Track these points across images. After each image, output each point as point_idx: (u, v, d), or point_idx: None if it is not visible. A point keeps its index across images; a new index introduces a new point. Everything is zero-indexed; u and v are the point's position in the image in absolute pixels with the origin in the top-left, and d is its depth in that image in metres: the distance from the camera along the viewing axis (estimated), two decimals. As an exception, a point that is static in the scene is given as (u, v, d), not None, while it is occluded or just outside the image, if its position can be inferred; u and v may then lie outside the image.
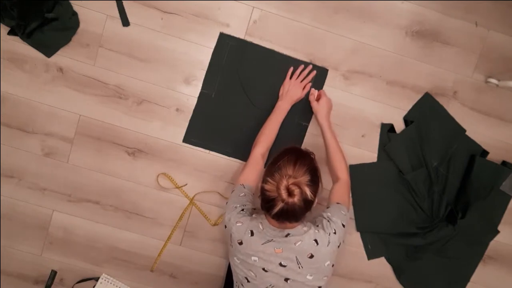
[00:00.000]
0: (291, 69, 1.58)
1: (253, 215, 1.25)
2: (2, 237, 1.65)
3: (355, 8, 1.59)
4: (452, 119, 1.66)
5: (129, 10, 1.55)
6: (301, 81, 1.56)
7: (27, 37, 1.52)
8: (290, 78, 1.57)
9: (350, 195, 1.46)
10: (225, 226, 1.25)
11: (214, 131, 1.61)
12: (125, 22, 1.55)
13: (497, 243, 1.73)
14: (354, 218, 1.68)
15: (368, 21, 1.60)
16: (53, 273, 1.67)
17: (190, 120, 1.60)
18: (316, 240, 1.18)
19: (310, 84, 1.58)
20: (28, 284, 1.68)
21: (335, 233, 1.22)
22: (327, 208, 1.32)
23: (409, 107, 1.64)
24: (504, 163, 1.67)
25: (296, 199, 1.08)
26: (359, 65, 1.62)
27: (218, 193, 1.64)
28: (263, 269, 1.18)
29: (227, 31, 1.57)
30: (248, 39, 1.58)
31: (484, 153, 1.67)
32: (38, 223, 1.64)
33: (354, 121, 1.64)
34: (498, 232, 1.71)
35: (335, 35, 1.60)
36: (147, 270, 1.68)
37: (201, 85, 1.59)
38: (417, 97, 1.64)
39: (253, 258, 1.18)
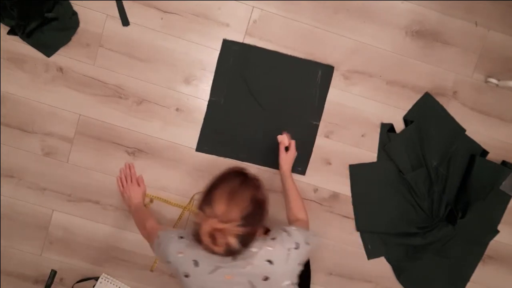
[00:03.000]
0: (119, 180, 1.60)
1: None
2: (2, 237, 1.65)
3: (355, 8, 1.59)
4: (452, 119, 1.66)
5: (129, 10, 1.55)
6: (132, 182, 1.57)
7: (27, 37, 1.52)
8: (123, 186, 1.58)
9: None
10: (168, 262, 1.10)
11: (226, 137, 1.61)
12: (125, 22, 1.55)
13: (497, 243, 1.73)
14: (354, 218, 1.68)
15: (368, 21, 1.60)
16: (53, 273, 1.67)
17: (202, 129, 1.60)
18: (270, 261, 1.04)
19: (142, 178, 1.60)
20: (28, 284, 1.68)
21: (296, 248, 1.08)
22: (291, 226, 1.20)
23: (409, 107, 1.64)
24: (504, 163, 1.67)
25: (219, 249, 0.93)
26: (359, 65, 1.62)
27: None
28: None
29: (227, 31, 1.57)
30: (248, 39, 1.58)
31: (484, 153, 1.67)
32: (38, 223, 1.64)
33: (354, 121, 1.64)
34: (498, 232, 1.71)
35: (335, 35, 1.60)
36: (147, 270, 1.68)
37: (201, 85, 1.59)
38: (417, 97, 1.64)
39: None
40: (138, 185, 1.59)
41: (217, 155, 1.62)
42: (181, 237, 1.11)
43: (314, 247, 1.17)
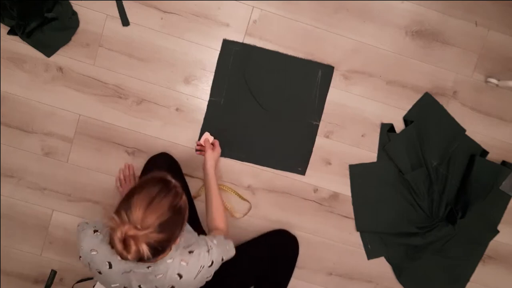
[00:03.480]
0: (117, 180, 1.60)
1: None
2: (2, 237, 1.65)
3: (355, 8, 1.59)
4: (452, 119, 1.66)
5: (129, 10, 1.55)
6: (130, 182, 1.58)
7: (27, 37, 1.52)
8: (121, 186, 1.59)
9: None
10: (80, 257, 1.10)
11: (226, 137, 1.61)
12: (125, 22, 1.55)
13: (497, 243, 1.73)
14: (354, 218, 1.68)
15: (368, 21, 1.60)
16: (53, 273, 1.67)
17: (202, 129, 1.60)
18: (179, 274, 1.07)
19: (136, 176, 1.59)
20: (28, 284, 1.68)
21: (210, 266, 1.12)
22: (213, 236, 1.23)
23: (409, 107, 1.64)
24: (504, 163, 1.67)
25: (130, 256, 0.91)
26: (359, 65, 1.62)
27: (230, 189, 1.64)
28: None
29: (227, 31, 1.57)
30: (248, 39, 1.58)
31: (484, 153, 1.67)
32: (38, 223, 1.64)
33: (354, 121, 1.64)
34: (498, 232, 1.71)
35: (335, 35, 1.60)
36: (147, 270, 1.68)
37: (200, 85, 1.59)
38: (417, 97, 1.64)
39: (113, 285, 1.10)
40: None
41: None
42: (96, 231, 1.10)
43: (229, 258, 1.23)
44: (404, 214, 1.68)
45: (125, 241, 0.91)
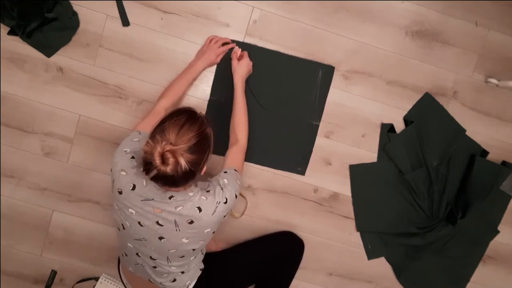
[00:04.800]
0: (213, 36, 1.57)
1: (141, 169, 1.12)
2: (2, 237, 1.65)
3: (355, 8, 1.59)
4: (452, 119, 1.66)
5: (129, 10, 1.55)
6: (218, 47, 1.55)
7: (27, 37, 1.52)
8: (210, 42, 1.56)
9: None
10: (111, 170, 1.19)
11: (226, 137, 1.60)
12: (125, 22, 1.55)
13: (497, 243, 1.73)
14: (354, 218, 1.68)
15: (368, 21, 1.60)
16: (53, 273, 1.67)
17: None
18: (199, 208, 1.14)
19: (226, 50, 1.56)
20: (28, 284, 1.68)
21: (225, 202, 1.19)
22: (224, 172, 1.29)
23: (409, 107, 1.64)
24: (504, 163, 1.67)
25: (168, 168, 0.99)
26: (359, 65, 1.62)
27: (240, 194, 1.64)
28: (139, 223, 1.15)
29: (227, 31, 1.57)
30: (248, 39, 1.58)
31: (484, 153, 1.67)
32: (38, 223, 1.64)
33: (354, 121, 1.64)
34: (498, 232, 1.71)
35: (335, 35, 1.60)
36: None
37: (200, 85, 1.59)
38: (417, 97, 1.64)
39: (130, 210, 1.15)
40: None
41: (216, 154, 1.62)
42: (133, 157, 1.18)
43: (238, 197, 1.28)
44: (404, 214, 1.68)
45: (163, 156, 0.98)
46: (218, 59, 1.56)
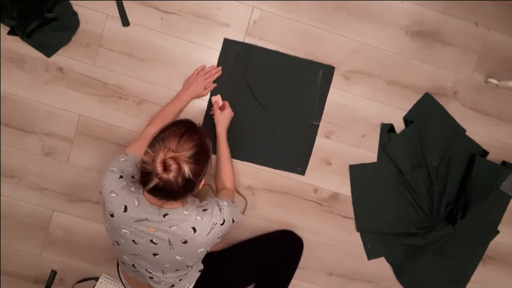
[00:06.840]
0: (201, 66, 1.58)
1: (132, 188, 1.13)
2: (2, 237, 1.65)
3: (355, 8, 1.59)
4: (452, 119, 1.66)
5: (129, 10, 1.55)
6: (206, 79, 1.56)
7: (27, 37, 1.52)
8: (198, 73, 1.57)
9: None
10: (100, 192, 1.17)
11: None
12: (125, 22, 1.55)
13: (497, 243, 1.73)
14: (354, 218, 1.68)
15: (368, 21, 1.60)
16: (53, 273, 1.67)
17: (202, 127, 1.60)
18: (194, 228, 1.12)
19: (215, 85, 1.58)
20: (28, 284, 1.68)
21: (222, 224, 1.17)
22: (222, 198, 1.28)
23: (409, 107, 1.64)
24: (504, 163, 1.67)
25: (171, 175, 0.97)
26: (359, 65, 1.62)
27: (208, 185, 1.63)
28: (133, 241, 1.14)
29: (227, 31, 1.57)
30: (248, 39, 1.58)
31: (484, 153, 1.67)
32: (38, 223, 1.64)
33: (354, 121, 1.64)
34: (498, 232, 1.71)
35: (335, 35, 1.60)
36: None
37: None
38: (417, 97, 1.64)
39: (123, 230, 1.13)
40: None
41: (216, 154, 1.62)
42: (121, 177, 1.15)
43: (237, 223, 1.27)
44: (404, 214, 1.68)
45: (165, 163, 0.97)
46: (206, 92, 1.57)
